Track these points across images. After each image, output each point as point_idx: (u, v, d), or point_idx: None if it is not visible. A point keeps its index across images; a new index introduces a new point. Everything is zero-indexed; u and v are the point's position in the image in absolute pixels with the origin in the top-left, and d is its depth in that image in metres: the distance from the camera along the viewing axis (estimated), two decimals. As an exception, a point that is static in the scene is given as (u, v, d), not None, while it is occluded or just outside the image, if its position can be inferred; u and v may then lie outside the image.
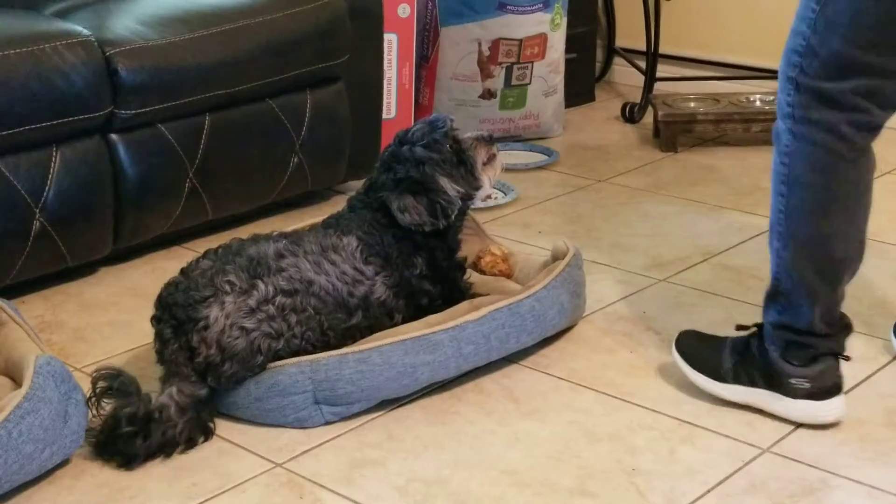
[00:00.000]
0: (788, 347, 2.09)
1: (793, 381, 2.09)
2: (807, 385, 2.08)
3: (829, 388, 2.09)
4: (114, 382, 2.04)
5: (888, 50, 1.91)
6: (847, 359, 2.12)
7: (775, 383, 2.11)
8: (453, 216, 2.33)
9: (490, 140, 2.40)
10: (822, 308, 2.06)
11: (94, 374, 2.06)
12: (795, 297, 2.06)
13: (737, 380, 2.16)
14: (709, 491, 1.94)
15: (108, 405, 2.04)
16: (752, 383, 2.14)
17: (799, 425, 2.12)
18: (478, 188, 2.38)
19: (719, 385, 2.18)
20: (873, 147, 2.02)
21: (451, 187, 2.31)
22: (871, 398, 2.22)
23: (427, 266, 2.33)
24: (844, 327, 2.12)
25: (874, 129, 2.00)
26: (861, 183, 2.03)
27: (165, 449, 2.03)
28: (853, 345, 2.41)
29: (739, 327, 2.21)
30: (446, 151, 2.33)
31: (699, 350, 2.22)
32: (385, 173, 2.33)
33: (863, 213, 2.06)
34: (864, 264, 2.88)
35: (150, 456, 2.01)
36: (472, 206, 2.46)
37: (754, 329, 2.16)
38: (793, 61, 1.98)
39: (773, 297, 2.11)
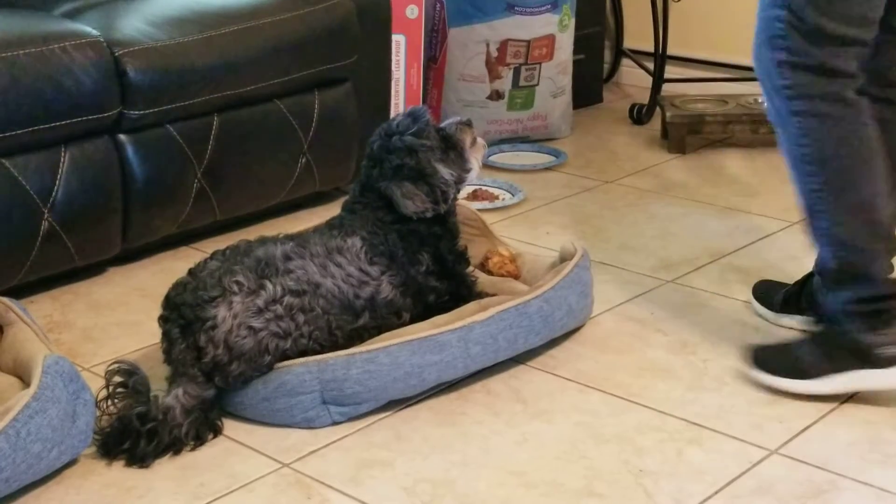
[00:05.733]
0: (869, 318, 2.14)
1: (878, 350, 2.13)
2: (893, 350, 2.12)
3: None
4: (129, 380, 2.06)
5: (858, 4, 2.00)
6: None
7: (865, 359, 2.14)
8: (451, 200, 2.36)
9: (470, 124, 2.43)
10: (881, 265, 2.13)
11: (110, 369, 2.07)
12: (861, 267, 2.12)
13: (825, 372, 2.16)
14: (716, 492, 1.93)
15: (119, 403, 2.04)
16: (843, 368, 2.15)
17: (807, 426, 2.12)
18: (468, 171, 2.41)
19: (809, 382, 2.18)
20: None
21: (446, 171, 2.33)
22: (879, 399, 2.21)
23: (433, 261, 2.33)
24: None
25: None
26: (875, 139, 2.08)
27: (174, 447, 2.03)
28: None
29: (812, 325, 2.29)
30: (434, 138, 2.35)
31: (775, 356, 2.23)
32: (377, 167, 2.34)
33: (886, 166, 2.12)
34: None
35: (157, 455, 2.02)
36: (464, 185, 2.48)
37: (820, 321, 2.24)
38: (778, 45, 2.04)
39: (840, 279, 2.15)
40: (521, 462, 2.03)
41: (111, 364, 2.08)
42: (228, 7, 2.93)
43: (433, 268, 2.33)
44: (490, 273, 2.61)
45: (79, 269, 2.74)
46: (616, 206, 3.27)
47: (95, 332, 2.52)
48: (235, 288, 2.11)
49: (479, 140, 2.45)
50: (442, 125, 2.41)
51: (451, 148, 2.37)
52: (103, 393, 2.06)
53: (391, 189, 2.30)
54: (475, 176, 2.46)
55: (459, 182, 2.39)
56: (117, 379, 2.06)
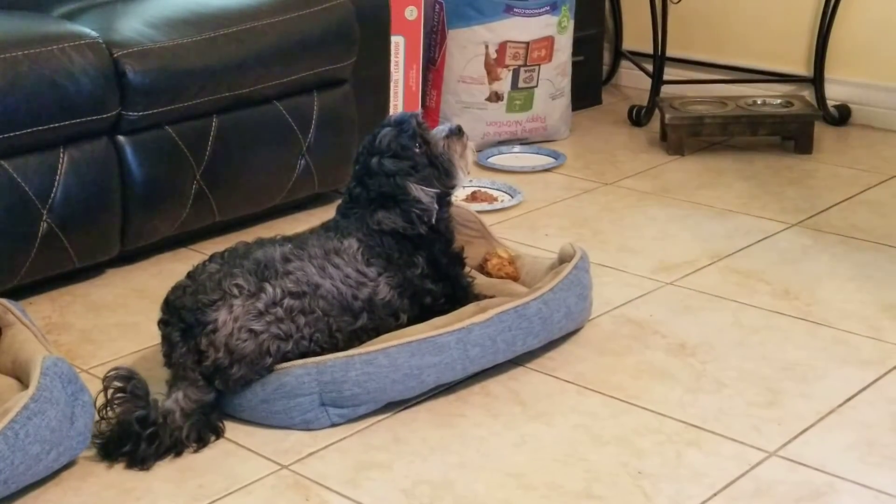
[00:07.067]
0: None
1: None
2: None
3: None
4: (127, 385, 2.05)
5: None
6: None
7: None
8: (433, 219, 2.33)
9: (459, 132, 2.41)
10: None
11: (108, 375, 2.06)
12: None
13: None
14: (715, 494, 1.93)
15: (118, 407, 2.04)
16: None
17: (805, 429, 2.12)
18: (453, 186, 2.40)
19: None
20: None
21: (424, 194, 2.32)
22: (878, 403, 2.21)
23: (428, 265, 2.33)
24: None
25: None
26: None
27: (175, 449, 2.03)
28: (860, 349, 2.42)
29: None
30: (416, 156, 2.33)
31: None
32: (359, 187, 2.35)
33: None
34: (873, 268, 2.88)
35: (158, 457, 2.02)
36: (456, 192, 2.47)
37: None
38: None
39: None
40: (519, 464, 2.03)
41: (109, 371, 2.08)
42: (227, 8, 2.93)
43: (428, 270, 2.33)
44: (489, 275, 2.61)
45: (77, 271, 2.74)
46: (615, 208, 3.27)
47: (94, 334, 2.52)
48: (235, 291, 2.11)
49: (468, 147, 2.42)
50: (431, 133, 2.38)
51: (434, 166, 2.35)
52: (101, 399, 2.05)
53: (365, 219, 2.31)
54: (462, 185, 2.45)
55: (444, 197, 2.38)
56: (116, 384, 2.05)
